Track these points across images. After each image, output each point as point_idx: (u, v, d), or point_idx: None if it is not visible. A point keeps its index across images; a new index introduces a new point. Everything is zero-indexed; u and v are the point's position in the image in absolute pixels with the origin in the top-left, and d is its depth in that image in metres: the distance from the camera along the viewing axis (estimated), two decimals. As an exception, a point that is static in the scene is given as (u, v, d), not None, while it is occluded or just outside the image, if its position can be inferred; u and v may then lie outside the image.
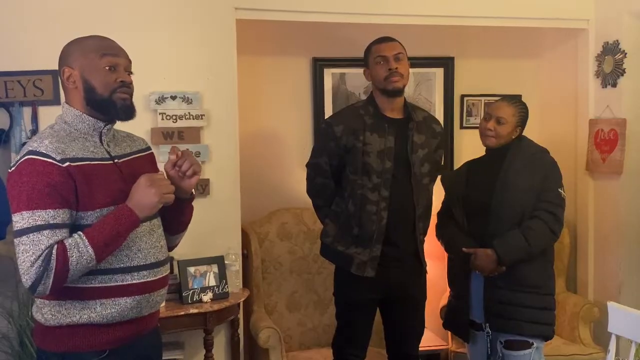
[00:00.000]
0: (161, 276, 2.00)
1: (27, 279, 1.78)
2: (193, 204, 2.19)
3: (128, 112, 1.98)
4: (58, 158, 1.83)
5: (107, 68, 1.93)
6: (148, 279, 1.95)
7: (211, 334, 3.36)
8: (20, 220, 1.79)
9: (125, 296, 1.91)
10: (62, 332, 1.90)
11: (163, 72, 3.47)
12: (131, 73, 2.01)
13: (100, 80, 1.92)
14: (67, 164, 1.84)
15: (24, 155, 1.86)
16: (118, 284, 1.90)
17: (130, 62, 2.01)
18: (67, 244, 1.79)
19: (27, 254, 1.77)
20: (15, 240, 1.80)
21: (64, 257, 1.77)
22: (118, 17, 3.37)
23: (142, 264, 1.93)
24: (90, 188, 1.86)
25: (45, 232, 1.77)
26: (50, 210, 1.79)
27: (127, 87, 1.96)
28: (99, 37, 2.00)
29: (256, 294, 3.75)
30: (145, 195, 1.88)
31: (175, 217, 2.11)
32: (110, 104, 1.93)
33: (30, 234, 1.77)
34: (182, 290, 3.34)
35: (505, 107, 2.96)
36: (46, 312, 1.91)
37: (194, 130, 3.53)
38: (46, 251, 1.76)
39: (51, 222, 1.79)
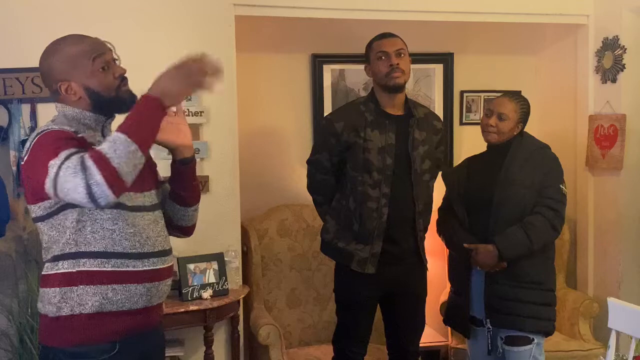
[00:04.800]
0: (168, 265, 2.02)
1: (80, 193, 1.69)
2: None
3: (133, 102, 1.96)
4: (72, 130, 1.86)
5: (101, 69, 1.92)
6: (157, 267, 1.96)
7: (211, 331, 3.36)
8: (50, 167, 1.74)
9: (137, 283, 1.91)
10: (71, 323, 1.88)
11: (161, 68, 3.43)
12: (118, 59, 1.99)
13: (101, 84, 1.91)
14: (80, 135, 1.86)
15: (40, 133, 1.85)
16: (130, 269, 1.90)
17: (112, 50, 1.98)
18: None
19: (67, 175, 1.70)
20: (55, 183, 1.74)
21: (96, 151, 1.72)
22: (116, 14, 3.36)
23: (151, 250, 1.94)
24: None
25: (74, 156, 1.73)
26: (73, 148, 1.77)
27: (124, 78, 1.96)
28: (73, 39, 1.95)
29: (256, 291, 3.75)
30: (171, 79, 1.83)
31: (185, 181, 2.08)
32: (118, 102, 1.94)
33: (62, 166, 1.72)
34: (182, 287, 3.33)
35: (507, 103, 2.96)
36: (58, 301, 1.89)
37: (193, 127, 3.46)
38: (79, 160, 1.71)
39: (76, 149, 1.76)
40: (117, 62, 1.98)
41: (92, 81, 1.91)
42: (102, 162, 1.70)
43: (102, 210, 1.87)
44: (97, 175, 1.69)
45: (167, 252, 2.02)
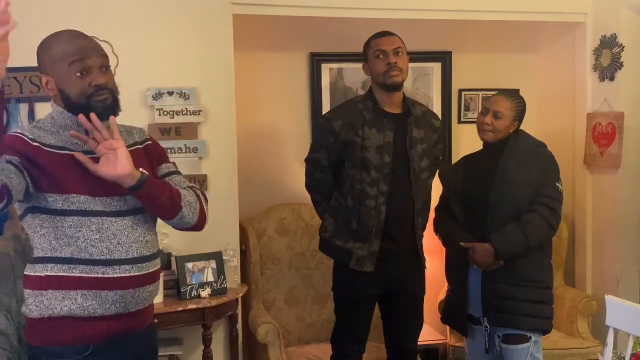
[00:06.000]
0: (147, 272, 1.96)
1: None
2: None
3: (109, 112, 1.91)
4: (30, 137, 1.85)
5: (78, 75, 1.87)
6: (131, 274, 1.91)
7: (210, 330, 3.36)
8: None
9: (107, 289, 1.88)
10: (45, 324, 1.89)
11: (160, 67, 3.46)
12: (108, 67, 1.94)
13: (73, 89, 1.88)
14: (36, 144, 1.85)
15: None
16: (99, 276, 1.87)
17: (104, 56, 1.94)
18: None
19: None
20: None
21: None
22: (114, 12, 3.36)
23: (123, 257, 1.90)
24: (62, 174, 1.84)
25: None
26: None
27: (104, 88, 1.89)
28: (66, 37, 1.92)
29: (254, 290, 3.75)
30: None
31: (145, 205, 1.97)
32: (88, 109, 1.88)
33: None
34: (181, 286, 3.33)
35: (502, 101, 2.96)
36: (31, 303, 1.90)
37: (191, 126, 3.52)
38: None
39: None
40: (106, 68, 1.93)
41: (66, 84, 1.89)
42: None
43: (63, 217, 1.85)
44: None
45: (146, 259, 1.95)
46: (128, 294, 1.92)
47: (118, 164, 1.85)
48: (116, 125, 1.91)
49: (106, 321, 1.91)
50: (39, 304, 1.88)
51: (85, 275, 1.87)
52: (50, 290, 1.87)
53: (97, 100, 1.89)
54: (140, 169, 1.92)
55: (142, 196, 1.93)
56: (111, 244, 1.89)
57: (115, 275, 1.89)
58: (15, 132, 1.89)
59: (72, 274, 1.87)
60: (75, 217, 1.86)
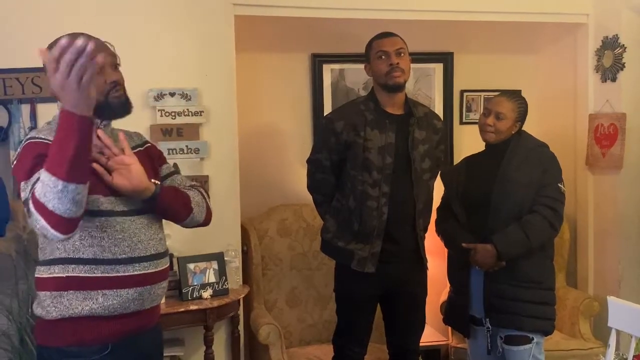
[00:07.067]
0: (162, 268, 2.01)
1: (39, 230, 1.73)
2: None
3: (125, 108, 1.97)
4: None
5: None
6: (149, 270, 1.96)
7: (211, 331, 3.36)
8: (22, 189, 1.80)
9: (127, 287, 1.91)
10: (64, 325, 1.90)
11: (161, 68, 3.46)
12: (118, 65, 1.98)
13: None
14: None
15: (24, 143, 1.88)
16: (120, 274, 1.90)
17: (114, 55, 1.97)
18: None
19: (27, 209, 1.74)
20: (25, 207, 1.78)
21: (34, 196, 1.69)
22: (116, 13, 3.36)
23: (143, 255, 1.94)
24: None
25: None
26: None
27: (118, 84, 1.94)
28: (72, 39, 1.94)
29: (256, 290, 3.76)
30: (65, 87, 1.62)
31: (160, 213, 2.03)
32: (106, 107, 1.92)
33: (29, 195, 1.73)
34: (182, 286, 3.33)
35: (504, 102, 2.96)
36: (48, 305, 1.90)
37: (193, 127, 3.53)
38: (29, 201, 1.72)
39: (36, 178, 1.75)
40: (117, 66, 1.97)
41: None
42: (40, 207, 1.68)
43: (90, 219, 1.86)
44: (41, 221, 1.69)
45: (160, 256, 2.00)
46: (145, 290, 1.95)
47: (132, 179, 1.90)
48: (127, 142, 1.95)
49: (124, 319, 1.93)
50: (58, 305, 1.89)
51: (106, 274, 1.89)
52: (71, 291, 1.88)
53: (114, 97, 1.93)
54: (153, 180, 1.97)
55: (158, 206, 1.99)
56: (132, 242, 1.93)
57: (136, 273, 1.92)
58: (41, 139, 1.85)
59: (94, 274, 1.88)
60: (102, 218, 1.88)
